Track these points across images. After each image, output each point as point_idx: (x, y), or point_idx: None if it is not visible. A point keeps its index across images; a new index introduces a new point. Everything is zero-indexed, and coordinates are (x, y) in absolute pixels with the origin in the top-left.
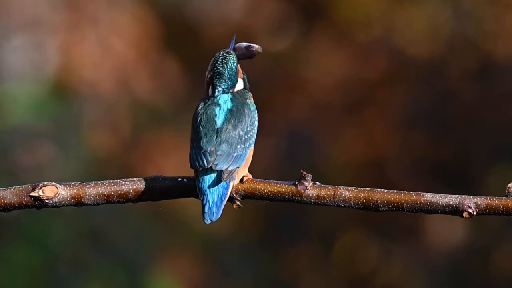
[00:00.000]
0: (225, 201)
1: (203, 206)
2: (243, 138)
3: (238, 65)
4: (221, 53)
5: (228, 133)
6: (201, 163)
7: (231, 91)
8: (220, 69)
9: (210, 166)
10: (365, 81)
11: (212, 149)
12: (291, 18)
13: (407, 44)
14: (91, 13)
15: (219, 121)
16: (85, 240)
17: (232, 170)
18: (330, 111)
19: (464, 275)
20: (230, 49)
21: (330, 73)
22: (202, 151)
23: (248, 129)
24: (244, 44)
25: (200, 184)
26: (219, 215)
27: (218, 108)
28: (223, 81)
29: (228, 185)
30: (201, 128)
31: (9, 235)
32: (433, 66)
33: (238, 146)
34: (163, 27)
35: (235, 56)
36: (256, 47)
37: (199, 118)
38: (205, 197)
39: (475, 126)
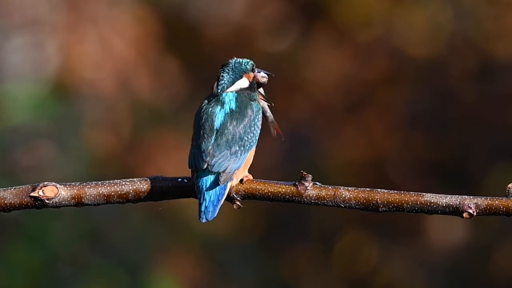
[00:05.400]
0: (222, 201)
1: (200, 205)
2: (244, 140)
3: (253, 72)
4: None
5: (227, 134)
6: (197, 163)
7: (232, 89)
8: (230, 60)
9: (205, 167)
10: (365, 81)
11: (209, 148)
12: (291, 18)
13: (407, 44)
14: (91, 13)
15: (218, 120)
16: (85, 240)
17: (230, 172)
18: (330, 111)
19: (464, 275)
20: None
21: (330, 73)
22: (199, 151)
23: (249, 130)
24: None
25: (198, 183)
26: (215, 215)
27: (220, 107)
28: (227, 71)
29: (226, 185)
30: (199, 127)
31: (9, 235)
32: (433, 66)
33: (238, 148)
34: (163, 27)
35: (252, 62)
36: (264, 79)
37: (199, 116)
38: (202, 196)
39: (475, 126)
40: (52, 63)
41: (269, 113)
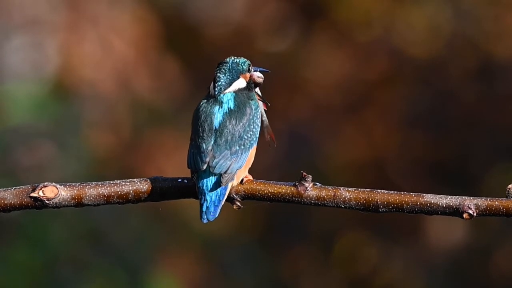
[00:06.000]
0: (223, 201)
1: (201, 205)
2: (244, 139)
3: (249, 72)
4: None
5: (227, 134)
6: (196, 164)
7: (229, 90)
8: (227, 59)
9: (205, 168)
10: (365, 81)
11: (209, 149)
12: (291, 18)
13: (407, 44)
14: (91, 13)
15: (216, 120)
16: (85, 240)
17: (231, 173)
18: (330, 111)
19: (464, 275)
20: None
21: (330, 73)
22: (199, 151)
23: (248, 129)
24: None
25: (198, 183)
26: (217, 215)
27: (218, 107)
28: (223, 72)
29: (227, 185)
30: (198, 127)
31: (9, 235)
32: (433, 66)
33: (238, 147)
34: (163, 27)
35: (249, 62)
36: (260, 79)
37: (197, 116)
38: (203, 197)
39: (475, 126)
40: (52, 63)
41: (265, 117)
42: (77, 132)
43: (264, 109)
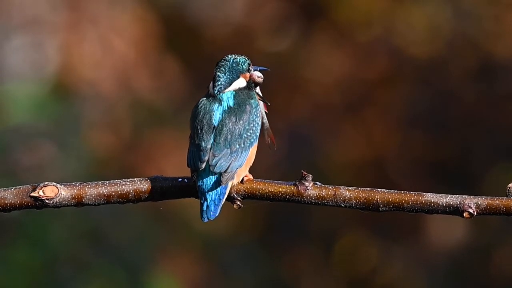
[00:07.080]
0: (223, 200)
1: (201, 204)
2: (243, 137)
3: (249, 72)
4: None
5: (226, 132)
6: (196, 163)
7: (229, 89)
8: (227, 58)
9: (204, 167)
10: (365, 81)
11: (208, 147)
12: (291, 18)
13: (407, 44)
14: (91, 13)
15: (215, 118)
16: (85, 240)
17: (231, 172)
18: (330, 111)
19: (464, 275)
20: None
21: (330, 73)
22: (198, 150)
23: (248, 127)
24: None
25: (198, 182)
26: (217, 214)
27: (218, 104)
28: (223, 71)
29: (227, 184)
30: (197, 124)
31: (9, 235)
32: (433, 66)
33: (238, 146)
34: (163, 27)
35: (249, 61)
36: (260, 79)
37: (196, 114)
38: (203, 196)
39: (475, 126)
40: (52, 63)
41: (265, 119)
42: (77, 132)
43: (265, 111)
